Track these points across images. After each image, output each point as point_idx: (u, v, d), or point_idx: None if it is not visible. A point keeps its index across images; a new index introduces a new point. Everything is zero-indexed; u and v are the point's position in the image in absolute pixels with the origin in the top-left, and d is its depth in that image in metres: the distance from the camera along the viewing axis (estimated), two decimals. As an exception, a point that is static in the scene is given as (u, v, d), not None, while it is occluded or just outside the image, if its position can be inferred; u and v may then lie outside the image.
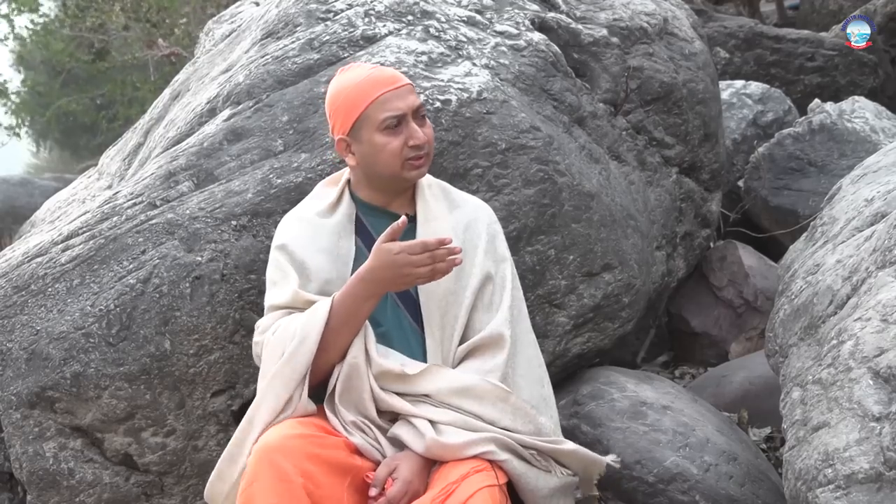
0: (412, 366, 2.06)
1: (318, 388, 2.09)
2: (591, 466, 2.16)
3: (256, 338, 2.14)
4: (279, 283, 2.16)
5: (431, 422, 2.01)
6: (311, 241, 2.17)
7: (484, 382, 2.06)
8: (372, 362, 2.05)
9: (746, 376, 3.20)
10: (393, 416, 2.07)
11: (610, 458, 2.21)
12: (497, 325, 2.13)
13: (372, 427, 2.05)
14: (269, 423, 2.00)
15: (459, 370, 2.10)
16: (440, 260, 1.99)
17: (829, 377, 2.00)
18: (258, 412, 2.02)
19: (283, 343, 2.04)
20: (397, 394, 2.06)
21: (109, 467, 2.52)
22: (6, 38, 13.34)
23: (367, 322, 2.07)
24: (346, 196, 2.23)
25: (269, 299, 2.17)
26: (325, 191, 2.27)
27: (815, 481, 1.87)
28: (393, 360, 2.06)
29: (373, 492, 1.96)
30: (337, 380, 2.06)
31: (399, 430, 2.03)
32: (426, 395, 2.04)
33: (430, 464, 2.00)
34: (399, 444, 2.03)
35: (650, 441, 2.55)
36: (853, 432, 1.85)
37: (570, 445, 2.12)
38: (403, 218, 2.03)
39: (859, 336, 1.98)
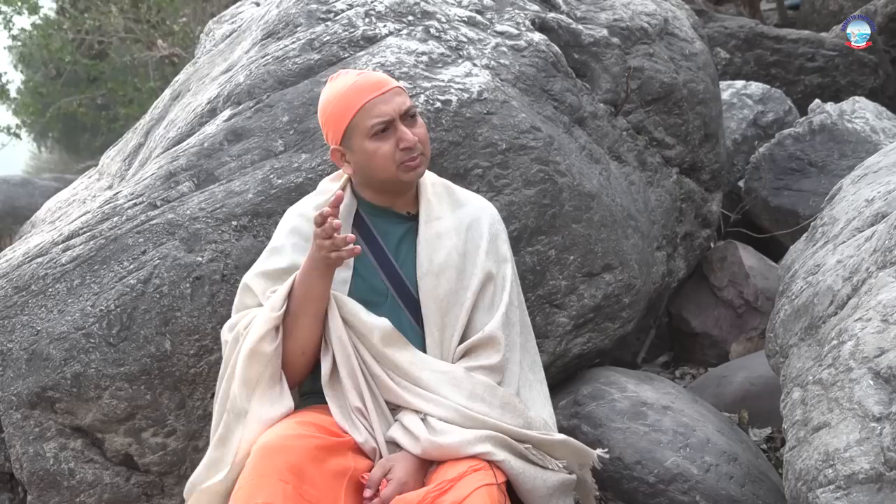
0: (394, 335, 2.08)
1: (318, 384, 2.10)
2: (582, 458, 2.17)
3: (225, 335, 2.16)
4: (266, 280, 2.17)
5: (424, 416, 2.01)
6: (308, 240, 2.16)
7: (472, 376, 2.07)
8: (367, 327, 2.07)
9: (747, 377, 3.20)
10: (394, 406, 2.08)
11: (599, 452, 2.20)
12: (492, 327, 2.14)
13: (372, 414, 2.05)
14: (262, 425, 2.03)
15: (454, 366, 2.10)
16: (327, 236, 1.97)
17: (829, 377, 2.00)
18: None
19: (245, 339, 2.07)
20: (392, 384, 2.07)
21: (110, 467, 2.52)
22: (14, 42, 13.34)
23: (341, 297, 2.09)
24: (348, 193, 2.23)
25: (248, 280, 2.19)
26: (329, 186, 2.28)
27: (815, 482, 1.87)
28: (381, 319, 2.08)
29: (367, 493, 1.96)
30: (333, 363, 2.08)
31: (394, 432, 2.04)
32: (417, 385, 2.06)
33: (427, 464, 2.00)
34: (396, 446, 2.04)
35: (650, 441, 2.55)
36: (853, 433, 1.85)
37: (560, 436, 2.13)
38: (339, 192, 2.02)
39: (860, 336, 1.98)
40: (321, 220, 1.96)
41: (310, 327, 2.07)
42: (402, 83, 2.62)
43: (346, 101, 2.12)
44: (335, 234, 1.96)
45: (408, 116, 2.13)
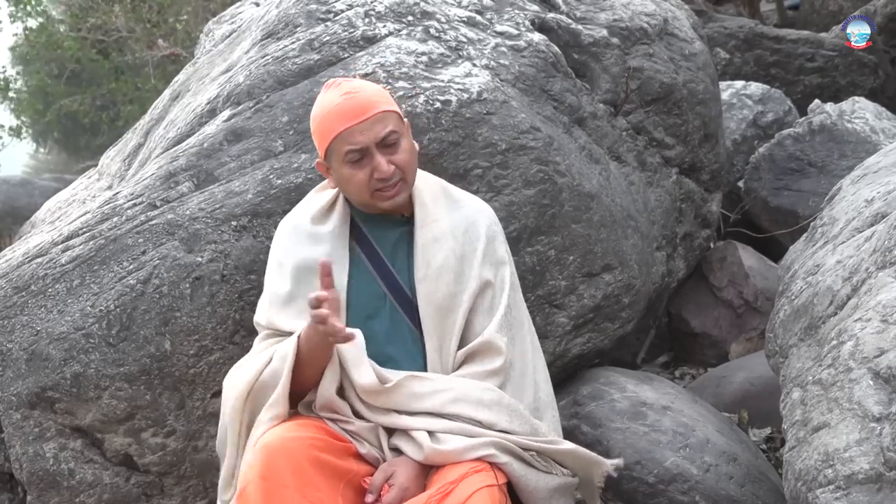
0: (393, 376, 2.05)
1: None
2: (590, 468, 2.15)
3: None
4: (272, 303, 2.16)
5: (429, 432, 2.00)
6: (306, 251, 2.16)
7: (478, 388, 2.05)
8: (354, 384, 2.05)
9: (746, 377, 3.20)
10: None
11: (612, 463, 2.17)
12: (490, 331, 2.12)
13: (371, 434, 2.05)
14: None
15: (455, 375, 2.10)
16: (321, 321, 1.90)
17: (829, 378, 2.00)
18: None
19: (251, 379, 2.07)
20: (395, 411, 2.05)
21: (109, 468, 2.52)
22: (21, 40, 13.37)
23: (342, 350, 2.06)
24: (341, 201, 2.22)
25: (259, 317, 2.19)
26: (318, 196, 2.26)
27: (815, 482, 1.87)
28: (368, 376, 2.04)
29: (369, 498, 1.95)
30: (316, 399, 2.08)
31: (398, 440, 2.03)
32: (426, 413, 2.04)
33: (428, 468, 2.00)
34: (399, 451, 2.03)
35: (650, 441, 2.55)
36: (853, 433, 1.85)
37: (567, 445, 2.12)
38: (325, 259, 1.97)
39: (859, 336, 1.98)
40: (315, 304, 1.91)
41: (312, 378, 2.07)
42: (400, 83, 2.63)
43: (327, 123, 2.12)
44: (328, 321, 1.91)
45: (385, 144, 2.09)
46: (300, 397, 2.10)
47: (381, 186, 2.10)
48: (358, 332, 2.02)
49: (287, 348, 2.04)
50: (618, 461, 2.20)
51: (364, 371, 2.04)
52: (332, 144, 2.11)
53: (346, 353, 2.05)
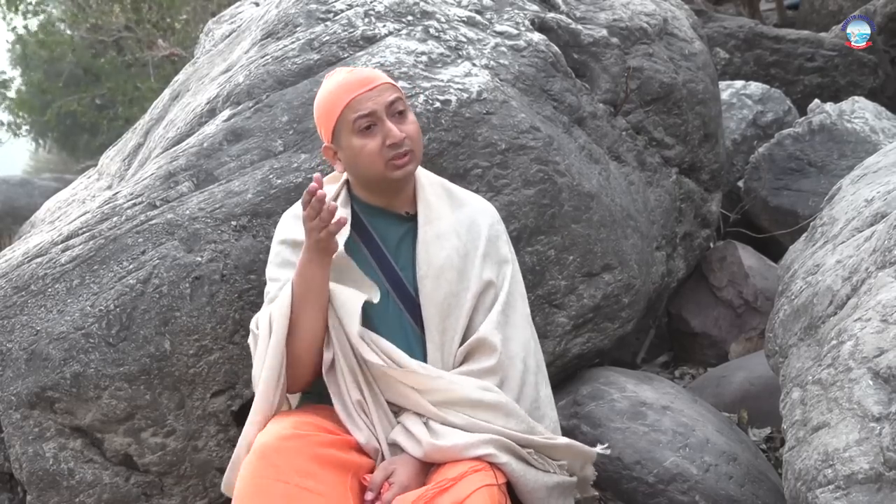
0: (403, 362, 2.05)
1: (318, 384, 2.10)
2: (586, 462, 2.17)
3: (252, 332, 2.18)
4: (276, 281, 2.17)
5: (427, 420, 2.01)
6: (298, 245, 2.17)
7: (477, 388, 2.05)
8: (357, 354, 2.05)
9: (746, 376, 3.20)
10: (395, 407, 2.08)
11: (599, 448, 2.22)
12: (485, 329, 2.12)
13: (373, 411, 2.05)
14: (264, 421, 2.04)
15: (454, 373, 2.10)
16: (317, 213, 1.95)
17: (828, 377, 2.00)
18: (254, 414, 2.06)
19: (262, 337, 2.08)
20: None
21: (109, 468, 2.52)
22: (14, 41, 13.37)
23: (352, 315, 2.06)
24: (344, 193, 2.22)
25: (266, 297, 2.19)
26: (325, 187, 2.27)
27: (814, 482, 1.87)
28: (376, 355, 2.05)
29: (369, 496, 1.95)
30: (333, 355, 2.07)
31: (397, 436, 2.03)
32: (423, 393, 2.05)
33: (428, 466, 2.00)
34: (398, 449, 2.04)
35: (650, 441, 2.55)
36: (853, 433, 1.85)
37: (564, 440, 2.13)
38: (317, 175, 1.99)
39: (859, 336, 1.98)
40: (307, 198, 1.94)
41: (315, 320, 2.05)
42: (400, 83, 2.63)
43: (335, 98, 2.12)
44: (322, 212, 1.94)
45: (395, 112, 2.11)
46: (300, 362, 2.08)
47: (392, 155, 2.09)
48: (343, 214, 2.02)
49: (281, 306, 2.04)
50: (602, 447, 2.24)
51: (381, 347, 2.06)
52: (342, 117, 2.10)
53: (340, 298, 2.06)
